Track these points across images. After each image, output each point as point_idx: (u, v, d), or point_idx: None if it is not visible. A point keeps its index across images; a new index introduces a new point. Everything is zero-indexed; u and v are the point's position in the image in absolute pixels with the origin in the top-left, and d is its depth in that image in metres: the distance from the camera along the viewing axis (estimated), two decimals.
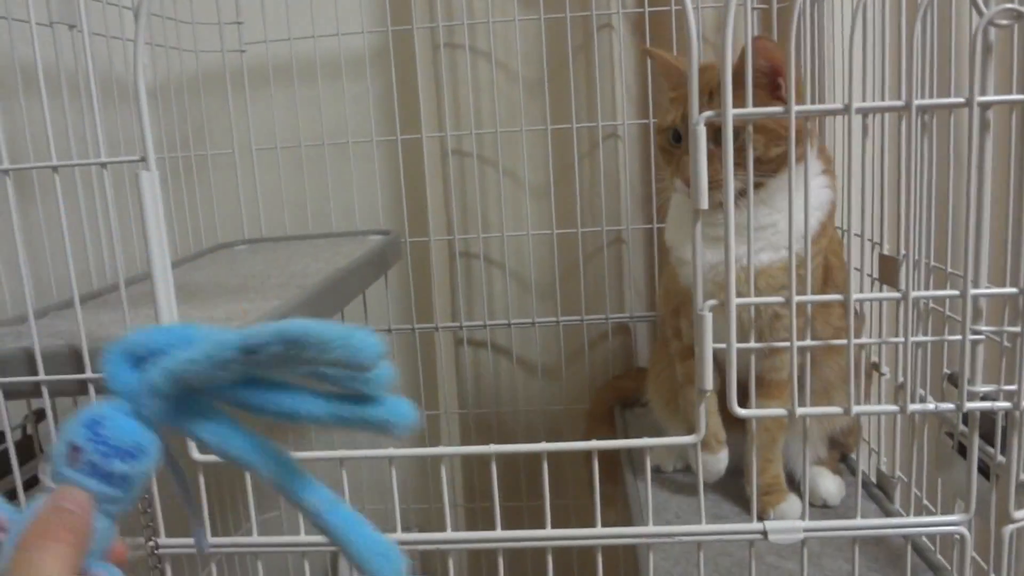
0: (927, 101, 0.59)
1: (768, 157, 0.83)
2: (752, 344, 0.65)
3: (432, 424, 1.43)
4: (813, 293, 0.65)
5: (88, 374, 0.68)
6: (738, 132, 0.80)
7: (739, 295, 0.74)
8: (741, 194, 0.74)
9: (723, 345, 0.64)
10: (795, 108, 0.58)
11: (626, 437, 1.21)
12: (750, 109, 0.59)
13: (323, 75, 1.34)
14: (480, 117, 1.34)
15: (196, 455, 0.70)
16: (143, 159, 0.64)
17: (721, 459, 0.96)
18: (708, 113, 0.59)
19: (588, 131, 1.32)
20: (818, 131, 0.91)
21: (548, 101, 1.29)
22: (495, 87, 1.31)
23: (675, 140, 0.91)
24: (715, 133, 0.71)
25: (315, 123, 1.35)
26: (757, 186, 0.85)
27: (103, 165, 0.67)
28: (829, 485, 0.98)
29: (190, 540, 0.72)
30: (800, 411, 0.64)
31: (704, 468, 0.96)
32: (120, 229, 0.72)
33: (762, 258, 0.86)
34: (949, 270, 0.81)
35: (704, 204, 0.60)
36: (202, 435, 0.45)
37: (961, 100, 0.58)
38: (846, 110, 0.58)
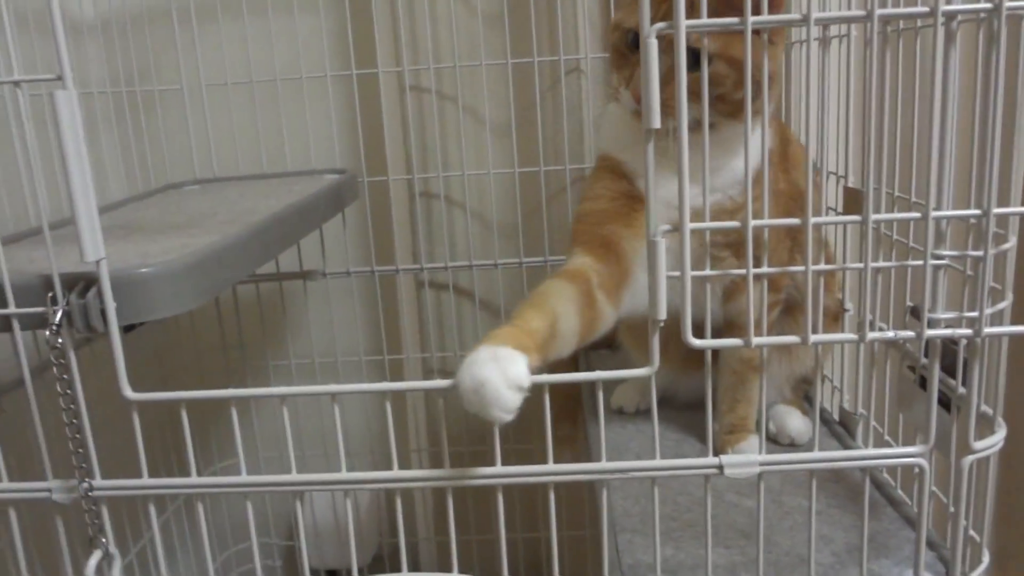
0: (890, 11, 0.56)
1: (733, 98, 0.79)
2: (707, 272, 0.63)
3: (395, 368, 1.40)
4: (769, 241, 0.63)
5: (11, 309, 0.65)
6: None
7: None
8: (697, 126, 0.70)
9: (677, 273, 0.61)
10: (751, 19, 0.55)
11: None
12: (704, 20, 0.56)
13: (274, 7, 1.28)
14: (438, 51, 1.29)
15: (129, 394, 0.66)
16: (59, 78, 0.60)
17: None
18: (660, 24, 0.55)
19: (550, 65, 1.28)
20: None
21: (508, 34, 1.25)
22: (453, 19, 1.26)
23: (634, 44, 0.83)
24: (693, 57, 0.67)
25: (267, 58, 1.29)
26: (711, 126, 0.82)
27: (16, 84, 0.62)
28: (797, 423, 0.97)
29: (127, 481, 0.70)
30: (756, 341, 0.62)
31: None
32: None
33: (699, 201, 0.83)
34: (913, 199, 0.79)
35: (656, 123, 0.57)
36: None
37: (925, 10, 0.55)
38: (805, 20, 0.55)
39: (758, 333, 0.63)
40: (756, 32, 0.75)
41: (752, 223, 0.59)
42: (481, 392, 0.62)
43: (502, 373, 0.62)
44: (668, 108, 0.63)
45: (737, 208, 0.85)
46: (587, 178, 0.96)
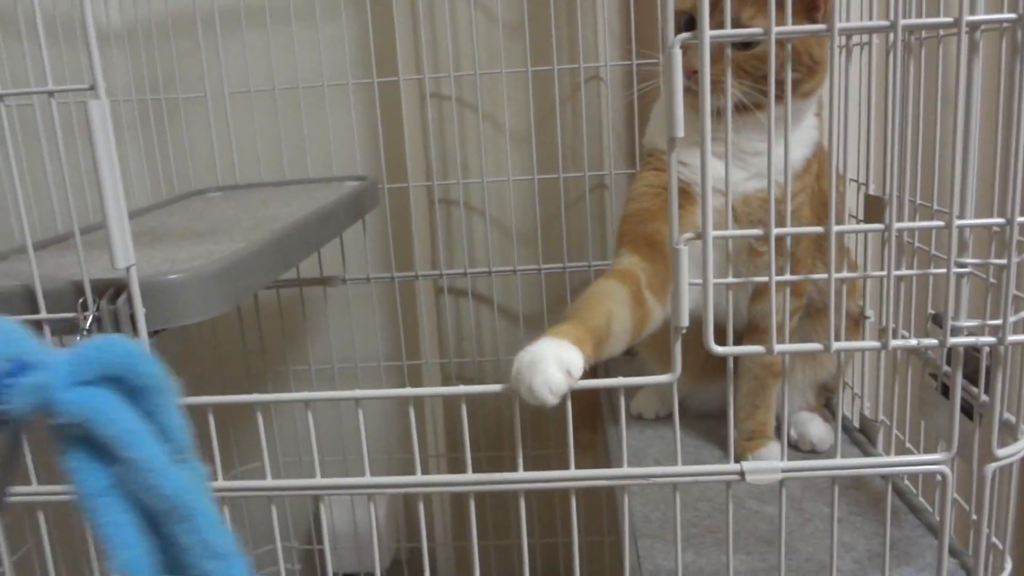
0: (913, 21, 0.56)
1: (780, 78, 0.79)
2: (729, 280, 0.63)
3: (413, 374, 1.41)
4: (799, 243, 0.64)
5: (43, 315, 0.66)
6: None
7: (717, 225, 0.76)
8: (738, 109, 0.75)
9: (699, 282, 0.61)
10: (776, 29, 0.55)
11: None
12: (728, 31, 0.56)
13: (297, 16, 1.30)
14: (459, 59, 1.30)
15: None
16: (92, 88, 0.61)
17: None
18: (684, 35, 0.56)
19: (570, 73, 1.29)
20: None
21: (528, 42, 1.25)
22: (474, 28, 1.27)
23: (687, 27, 0.84)
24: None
25: (289, 66, 1.31)
26: (759, 106, 0.81)
27: (50, 94, 0.64)
28: (819, 430, 0.97)
29: None
30: (778, 348, 0.62)
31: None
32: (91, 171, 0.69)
33: (748, 185, 0.83)
34: (936, 207, 0.79)
35: (680, 132, 0.57)
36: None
37: (949, 20, 0.55)
38: (829, 30, 0.55)
39: (780, 339, 0.63)
40: (811, 15, 0.76)
41: (775, 231, 0.59)
42: (533, 367, 0.64)
43: (556, 355, 0.65)
44: (717, 86, 0.65)
45: (783, 197, 0.85)
46: (633, 178, 0.96)
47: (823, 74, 0.82)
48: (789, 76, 0.58)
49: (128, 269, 0.63)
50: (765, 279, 0.62)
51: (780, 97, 0.79)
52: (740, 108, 0.80)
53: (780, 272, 0.82)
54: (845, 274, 0.62)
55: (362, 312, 1.40)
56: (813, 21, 0.77)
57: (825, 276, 0.61)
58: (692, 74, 0.74)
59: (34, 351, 0.42)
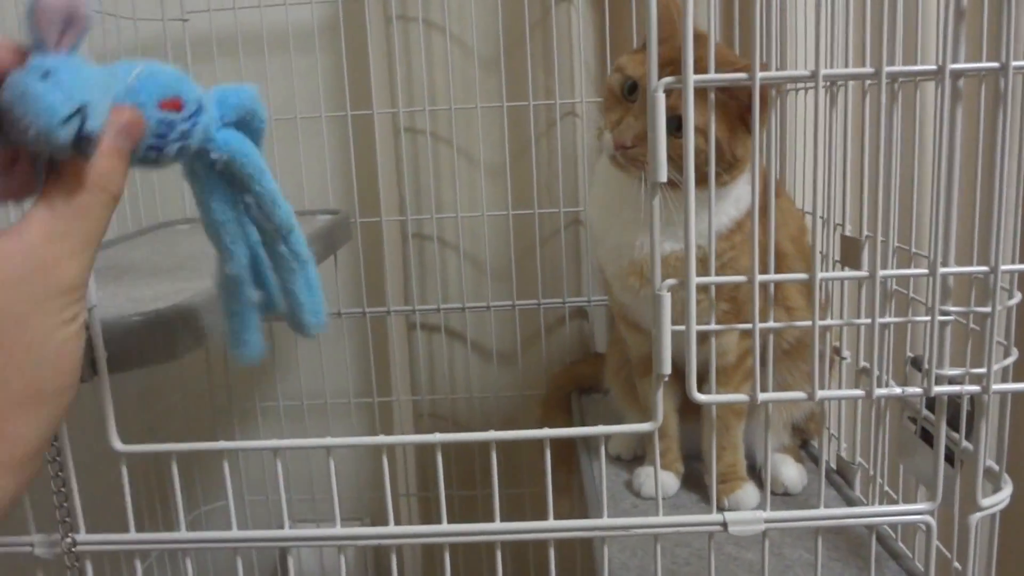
0: (898, 68, 0.55)
1: (702, 170, 0.79)
2: (713, 326, 0.62)
3: (384, 411, 1.38)
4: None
5: None
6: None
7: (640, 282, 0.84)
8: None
9: (682, 327, 0.60)
10: (759, 74, 0.55)
11: (583, 423, 1.18)
12: (712, 75, 0.55)
13: (270, 47, 1.28)
14: (434, 93, 1.29)
15: (118, 445, 0.64)
16: None
17: (672, 485, 0.97)
18: (668, 79, 0.55)
19: (545, 109, 1.28)
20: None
21: (504, 77, 1.25)
22: (449, 62, 1.26)
23: (630, 92, 0.83)
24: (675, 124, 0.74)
25: (261, 97, 1.29)
26: (676, 185, 0.81)
27: None
28: (791, 472, 0.96)
29: (113, 536, 0.67)
30: (762, 397, 0.61)
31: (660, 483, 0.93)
32: None
33: (665, 247, 0.82)
34: (914, 250, 0.79)
35: (663, 176, 0.56)
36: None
37: (932, 68, 0.55)
38: (813, 77, 0.55)
39: (744, 382, 0.62)
40: (744, 116, 0.77)
41: (759, 278, 0.58)
42: None
43: None
44: (635, 162, 0.77)
45: (706, 257, 0.83)
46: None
47: (741, 171, 0.82)
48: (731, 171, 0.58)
49: (89, 311, 0.60)
50: (748, 326, 0.60)
51: (699, 182, 0.78)
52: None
53: (722, 317, 0.82)
54: (829, 321, 0.61)
55: (333, 348, 1.38)
56: (744, 124, 0.79)
57: (808, 324, 0.60)
58: (620, 148, 0.81)
59: (198, 92, 0.49)
